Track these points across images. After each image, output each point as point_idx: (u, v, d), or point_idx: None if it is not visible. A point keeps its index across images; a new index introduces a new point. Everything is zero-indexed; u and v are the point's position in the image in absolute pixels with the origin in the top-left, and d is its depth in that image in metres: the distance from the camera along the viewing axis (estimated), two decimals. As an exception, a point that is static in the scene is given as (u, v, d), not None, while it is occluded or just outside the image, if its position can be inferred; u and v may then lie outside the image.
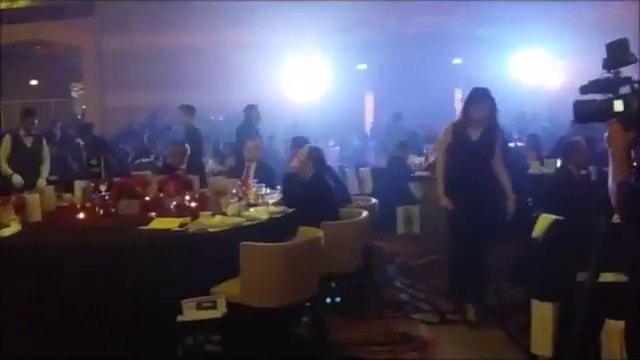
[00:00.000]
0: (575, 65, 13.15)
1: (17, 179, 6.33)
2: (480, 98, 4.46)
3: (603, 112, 2.27)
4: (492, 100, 4.47)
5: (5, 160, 6.46)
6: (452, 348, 3.98)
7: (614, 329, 3.24)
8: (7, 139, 6.55)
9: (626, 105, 2.22)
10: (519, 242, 5.19)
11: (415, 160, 8.06)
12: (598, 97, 2.35)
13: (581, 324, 3.45)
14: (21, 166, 6.47)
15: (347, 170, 8.12)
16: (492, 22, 13.64)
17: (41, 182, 6.41)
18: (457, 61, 15.40)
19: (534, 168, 6.84)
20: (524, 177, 6.66)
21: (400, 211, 7.42)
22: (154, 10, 14.44)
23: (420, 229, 7.36)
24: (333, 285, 4.43)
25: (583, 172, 5.07)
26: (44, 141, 6.87)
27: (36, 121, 6.79)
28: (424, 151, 8.43)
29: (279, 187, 5.32)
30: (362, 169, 8.56)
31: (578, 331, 3.40)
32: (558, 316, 3.64)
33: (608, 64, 2.39)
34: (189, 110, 7.62)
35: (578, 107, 2.37)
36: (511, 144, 8.33)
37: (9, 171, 6.37)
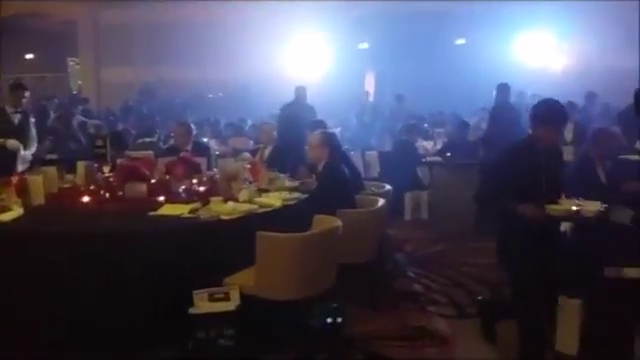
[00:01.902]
0: (578, 48, 13.00)
1: (12, 143, 5.80)
2: None
3: None
4: None
5: None
6: (472, 344, 3.83)
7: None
8: None
9: None
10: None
11: (424, 144, 7.89)
12: None
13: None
14: None
15: (353, 153, 7.94)
16: (496, 1, 13.38)
17: (27, 155, 5.96)
18: (461, 41, 15.14)
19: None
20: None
21: (408, 197, 7.27)
22: (152, -16, 14.07)
23: (428, 215, 7.24)
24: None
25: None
26: (31, 118, 6.40)
27: (27, 94, 6.15)
28: (433, 135, 8.26)
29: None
30: (368, 153, 8.39)
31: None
32: (585, 313, 3.53)
33: None
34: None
35: None
36: None
37: None
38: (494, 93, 7.20)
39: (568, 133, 7.24)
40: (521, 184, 3.26)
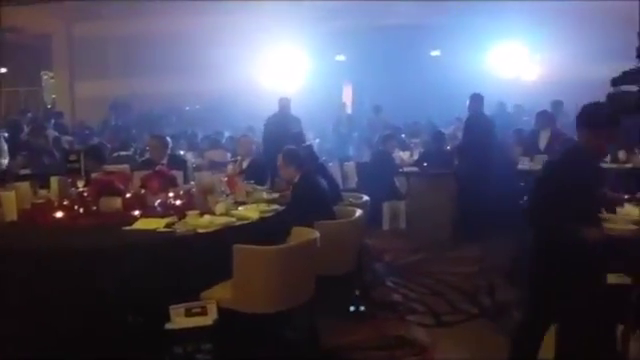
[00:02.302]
0: (550, 58, 13.24)
1: None
2: None
3: None
4: None
5: None
6: (451, 353, 3.86)
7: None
8: None
9: None
10: (511, 240, 5.15)
11: (400, 154, 7.94)
12: (630, 88, 2.14)
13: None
14: None
15: (331, 164, 7.96)
16: (469, 14, 13.59)
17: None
18: (435, 53, 15.33)
19: (523, 163, 6.78)
20: (513, 173, 6.61)
21: (386, 207, 7.30)
22: (127, -4, 13.99)
23: (406, 225, 7.27)
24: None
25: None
26: (2, 132, 6.31)
27: None
28: (411, 145, 8.32)
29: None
30: (346, 163, 8.42)
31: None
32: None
33: None
34: None
35: (615, 100, 2.17)
36: None
37: None
38: (467, 103, 7.29)
39: (542, 141, 7.34)
40: (574, 200, 2.90)
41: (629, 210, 3.99)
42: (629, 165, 6.26)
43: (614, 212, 3.94)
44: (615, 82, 2.18)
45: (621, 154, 6.44)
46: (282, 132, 7.02)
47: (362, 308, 4.52)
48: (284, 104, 8.34)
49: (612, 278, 3.51)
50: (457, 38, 13.63)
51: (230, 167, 5.91)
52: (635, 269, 3.26)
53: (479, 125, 7.06)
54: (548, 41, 12.86)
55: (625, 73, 2.20)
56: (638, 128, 6.76)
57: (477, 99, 7.11)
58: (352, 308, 4.46)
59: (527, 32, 13.13)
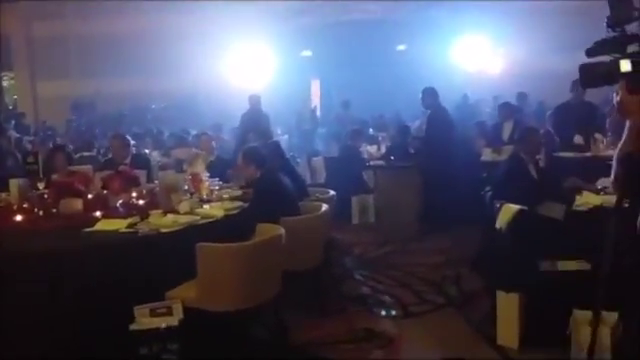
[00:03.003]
0: (514, 52, 13.48)
1: None
2: None
3: (613, 74, 2.05)
4: None
5: None
6: (418, 343, 3.89)
7: (581, 318, 3.24)
8: None
9: (635, 65, 2.00)
10: (476, 230, 5.22)
11: (368, 148, 7.99)
12: (602, 59, 2.13)
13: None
14: None
15: (299, 160, 7.97)
16: (433, 8, 13.72)
17: None
18: (401, 47, 15.46)
19: (486, 155, 6.88)
20: (476, 164, 6.71)
21: (355, 201, 7.33)
22: (87, -6, 13.76)
23: (374, 218, 7.31)
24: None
25: (538, 157, 5.03)
26: None
27: None
28: (379, 139, 8.37)
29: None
30: (314, 159, 8.43)
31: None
32: (524, 306, 3.63)
33: (613, 22, 2.12)
34: None
35: (586, 70, 2.16)
36: None
37: None
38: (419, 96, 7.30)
39: (506, 132, 7.45)
40: None
41: (587, 198, 4.10)
42: (589, 154, 6.38)
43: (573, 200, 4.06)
44: (589, 52, 2.17)
45: (577, 138, 6.55)
46: (254, 129, 7.02)
47: (331, 302, 4.51)
48: (255, 101, 8.40)
49: (566, 265, 3.61)
50: (422, 32, 13.77)
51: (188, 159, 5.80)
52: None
53: (438, 119, 7.11)
54: (510, 35, 13.08)
55: (597, 43, 2.18)
56: (592, 113, 6.94)
57: (430, 93, 7.14)
58: (322, 303, 4.43)
59: (490, 26, 13.32)
